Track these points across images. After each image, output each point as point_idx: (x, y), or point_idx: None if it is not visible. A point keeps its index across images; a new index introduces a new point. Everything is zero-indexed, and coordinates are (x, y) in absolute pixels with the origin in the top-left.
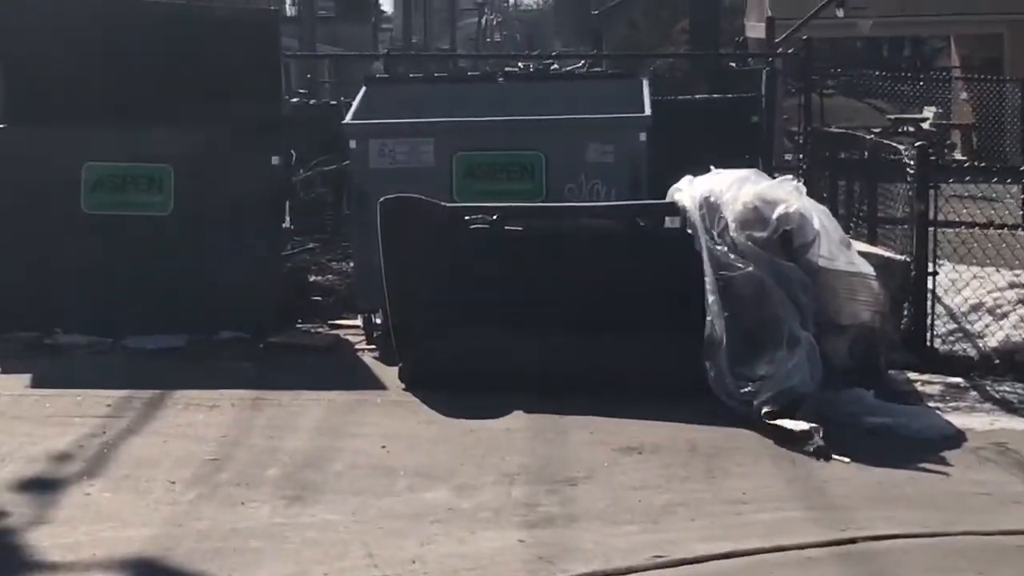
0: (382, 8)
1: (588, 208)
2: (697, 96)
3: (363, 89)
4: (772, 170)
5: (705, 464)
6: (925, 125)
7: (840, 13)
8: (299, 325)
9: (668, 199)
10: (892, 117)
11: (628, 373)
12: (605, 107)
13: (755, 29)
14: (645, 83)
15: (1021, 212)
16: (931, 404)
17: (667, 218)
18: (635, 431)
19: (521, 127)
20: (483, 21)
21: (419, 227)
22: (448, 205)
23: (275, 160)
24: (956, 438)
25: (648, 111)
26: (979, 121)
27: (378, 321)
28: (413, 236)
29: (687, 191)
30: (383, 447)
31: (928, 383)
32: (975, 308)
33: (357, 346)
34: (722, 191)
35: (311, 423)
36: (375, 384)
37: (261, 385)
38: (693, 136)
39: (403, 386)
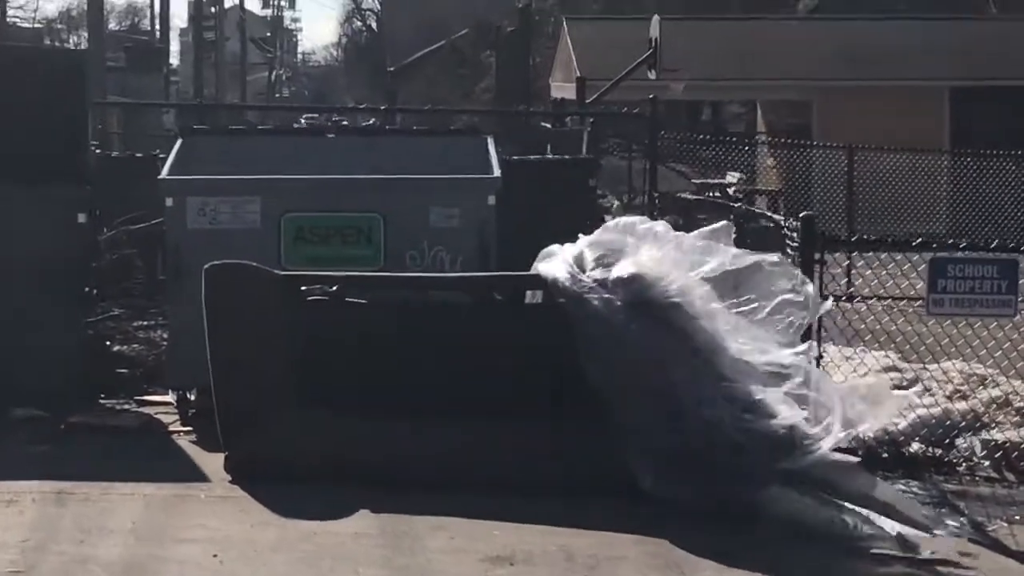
0: (171, 61)
1: (441, 280)
2: (532, 157)
3: (179, 141)
4: None
5: None
6: (730, 191)
7: (652, 75)
8: (102, 401)
9: (532, 271)
10: (697, 181)
11: (487, 465)
12: (448, 167)
13: (561, 89)
14: (490, 141)
15: (845, 280)
16: None
17: (528, 292)
18: (500, 536)
19: (357, 187)
20: (272, 76)
21: (249, 298)
22: (282, 273)
23: (81, 218)
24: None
25: (497, 172)
26: (785, 187)
27: (193, 398)
28: (242, 308)
29: (559, 257)
30: (215, 556)
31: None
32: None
33: (171, 427)
34: (608, 257)
35: (127, 524)
36: (197, 475)
37: (65, 475)
38: (530, 200)
39: (230, 478)
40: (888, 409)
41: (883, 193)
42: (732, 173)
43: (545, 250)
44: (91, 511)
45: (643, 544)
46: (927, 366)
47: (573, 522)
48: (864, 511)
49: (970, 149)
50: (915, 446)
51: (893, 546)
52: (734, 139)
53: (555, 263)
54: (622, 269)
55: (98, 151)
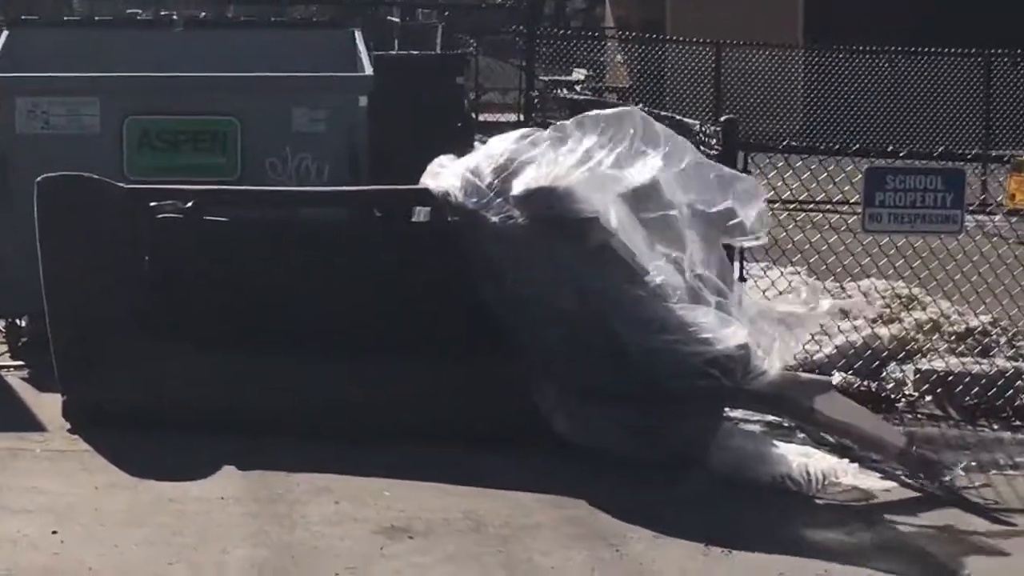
0: None
1: (317, 195)
2: (394, 52)
3: (4, 34)
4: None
5: (502, 553)
6: (578, 88)
7: None
8: None
9: (421, 184)
10: (545, 78)
11: (372, 410)
12: (312, 64)
13: None
14: (358, 35)
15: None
16: None
17: (416, 210)
18: (394, 499)
19: (210, 85)
20: None
21: (89, 216)
22: (127, 187)
23: None
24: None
25: (369, 69)
26: (636, 84)
27: (24, 324)
28: (82, 227)
29: (451, 169)
30: (54, 532)
31: (745, 420)
32: (760, 315)
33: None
34: (509, 169)
35: None
36: (31, 423)
37: None
38: (394, 101)
39: (69, 426)
40: (805, 334)
41: (745, 90)
42: (579, 70)
43: (435, 161)
44: None
45: (562, 507)
46: (845, 285)
47: (477, 480)
48: (815, 450)
49: (822, 44)
50: (838, 377)
51: (848, 496)
52: (592, 34)
53: (446, 176)
54: (526, 181)
55: None
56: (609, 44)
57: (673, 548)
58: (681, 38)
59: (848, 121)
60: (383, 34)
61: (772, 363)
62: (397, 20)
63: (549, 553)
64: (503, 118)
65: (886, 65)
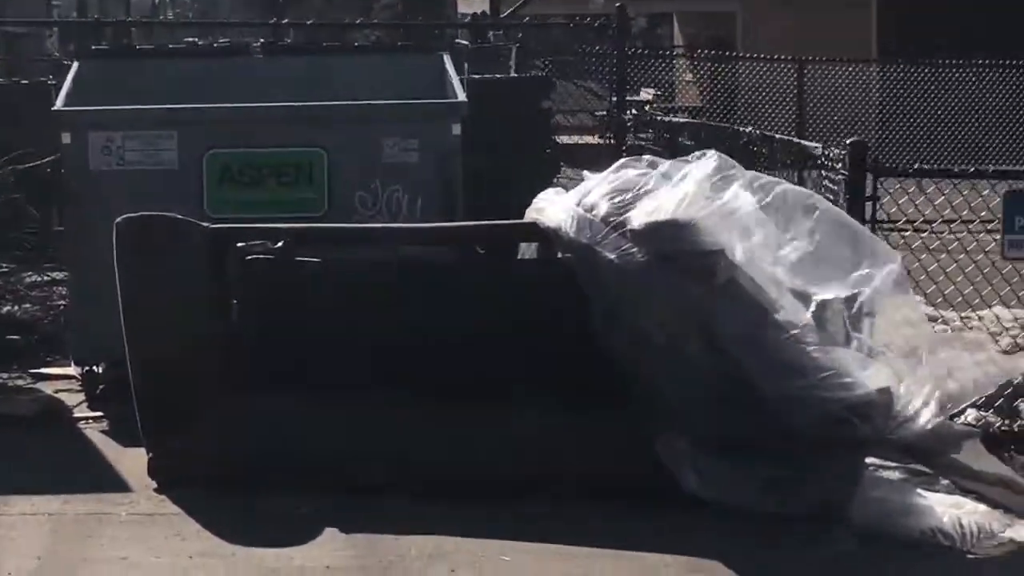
0: None
1: (419, 231)
2: (477, 76)
3: (75, 65)
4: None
5: None
6: (646, 108)
7: None
8: None
9: (527, 217)
10: (615, 99)
11: (483, 465)
12: (399, 91)
13: (470, 4)
14: (447, 59)
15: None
16: None
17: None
18: (516, 566)
19: (295, 116)
20: None
21: (173, 257)
22: (213, 227)
23: None
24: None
25: (462, 95)
26: (707, 104)
27: (101, 371)
28: (165, 270)
29: (561, 202)
30: None
31: (883, 467)
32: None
33: (77, 412)
34: (624, 200)
35: (27, 563)
36: (115, 482)
37: None
38: (481, 126)
39: (156, 485)
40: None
41: (826, 107)
42: (647, 90)
43: (540, 195)
44: None
45: (694, 570)
46: (968, 315)
47: (602, 540)
48: (965, 499)
49: (900, 60)
50: (973, 413)
51: (1005, 550)
52: (669, 52)
53: (555, 210)
54: (644, 214)
55: None
56: (678, 63)
57: None
58: (760, 55)
59: (930, 137)
60: (452, 58)
61: (918, 408)
62: (466, 43)
63: None
64: (582, 140)
65: (973, 79)
